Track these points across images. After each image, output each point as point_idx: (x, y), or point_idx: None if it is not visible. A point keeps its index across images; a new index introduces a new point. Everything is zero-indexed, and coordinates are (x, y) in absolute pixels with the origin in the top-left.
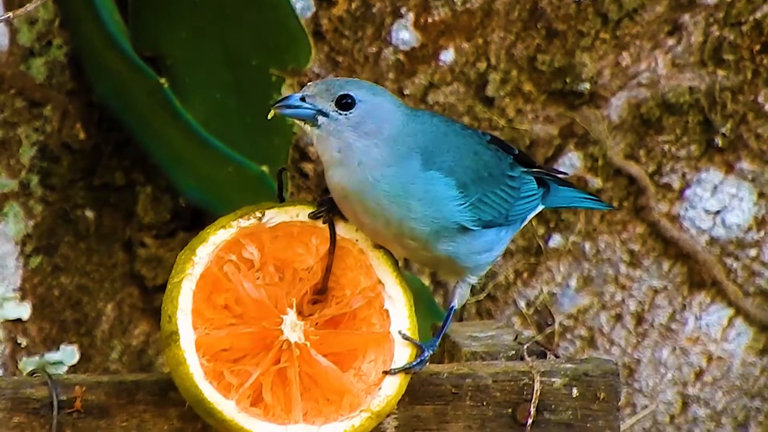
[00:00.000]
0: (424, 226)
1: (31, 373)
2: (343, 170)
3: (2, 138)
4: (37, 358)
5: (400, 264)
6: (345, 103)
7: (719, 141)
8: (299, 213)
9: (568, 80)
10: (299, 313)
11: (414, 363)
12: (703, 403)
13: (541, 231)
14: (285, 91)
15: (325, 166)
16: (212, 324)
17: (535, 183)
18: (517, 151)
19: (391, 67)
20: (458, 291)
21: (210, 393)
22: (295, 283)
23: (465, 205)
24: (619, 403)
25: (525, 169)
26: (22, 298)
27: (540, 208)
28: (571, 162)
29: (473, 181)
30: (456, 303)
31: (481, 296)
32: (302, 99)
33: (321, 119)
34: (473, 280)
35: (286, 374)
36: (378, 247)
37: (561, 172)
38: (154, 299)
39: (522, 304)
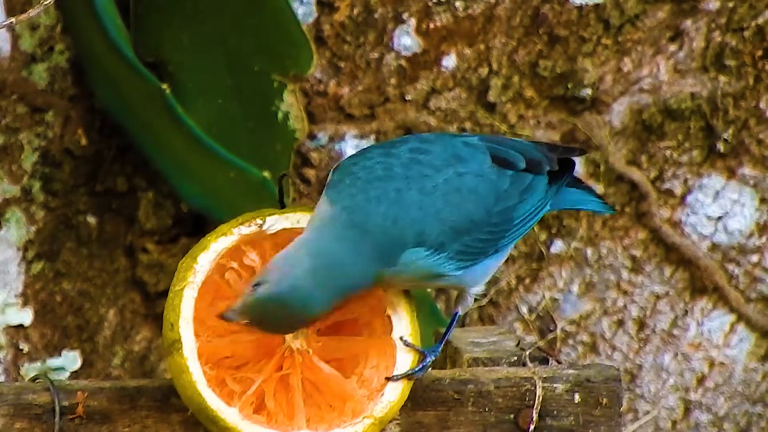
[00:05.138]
0: (414, 282)
1: (34, 379)
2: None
3: (4, 144)
4: (39, 363)
5: None
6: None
7: (721, 147)
8: (300, 219)
9: (569, 86)
10: None
11: (416, 369)
12: (705, 409)
13: (543, 237)
14: (287, 97)
15: None
16: (214, 332)
17: (545, 183)
18: (524, 165)
19: (393, 73)
20: (462, 299)
21: (213, 401)
22: None
23: (443, 259)
24: (621, 409)
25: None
26: (24, 304)
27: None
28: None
29: (449, 238)
30: (460, 310)
31: (484, 302)
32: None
33: None
34: (477, 291)
35: (289, 381)
36: None
37: (577, 150)
38: (156, 305)
39: (524, 309)
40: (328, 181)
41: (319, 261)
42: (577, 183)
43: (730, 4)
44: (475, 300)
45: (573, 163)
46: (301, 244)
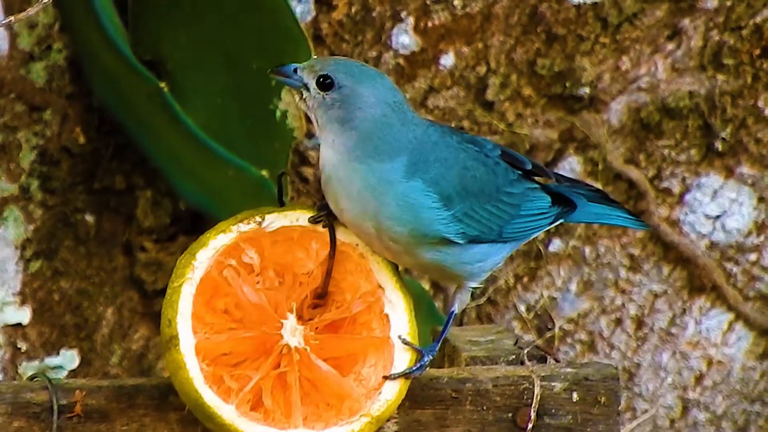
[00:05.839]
0: (400, 227)
1: (31, 378)
2: (324, 149)
3: (2, 142)
4: (37, 362)
5: (400, 269)
6: (324, 83)
7: (719, 145)
8: (299, 217)
9: (567, 84)
10: (299, 317)
11: (414, 368)
12: (704, 408)
13: (541, 235)
14: (285, 96)
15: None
16: (212, 328)
17: (549, 200)
18: (530, 166)
19: (391, 71)
20: (458, 296)
21: (210, 397)
22: (295, 288)
23: (446, 218)
24: (620, 408)
25: (536, 186)
26: (22, 303)
27: (554, 223)
28: (571, 166)
29: (459, 195)
30: (456, 308)
31: (482, 300)
32: (295, 70)
33: (305, 93)
34: (472, 285)
35: (286, 379)
36: None
37: (592, 187)
38: (154, 303)
39: (522, 308)
40: None
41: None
42: (607, 200)
43: (728, 3)
44: (473, 298)
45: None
46: None
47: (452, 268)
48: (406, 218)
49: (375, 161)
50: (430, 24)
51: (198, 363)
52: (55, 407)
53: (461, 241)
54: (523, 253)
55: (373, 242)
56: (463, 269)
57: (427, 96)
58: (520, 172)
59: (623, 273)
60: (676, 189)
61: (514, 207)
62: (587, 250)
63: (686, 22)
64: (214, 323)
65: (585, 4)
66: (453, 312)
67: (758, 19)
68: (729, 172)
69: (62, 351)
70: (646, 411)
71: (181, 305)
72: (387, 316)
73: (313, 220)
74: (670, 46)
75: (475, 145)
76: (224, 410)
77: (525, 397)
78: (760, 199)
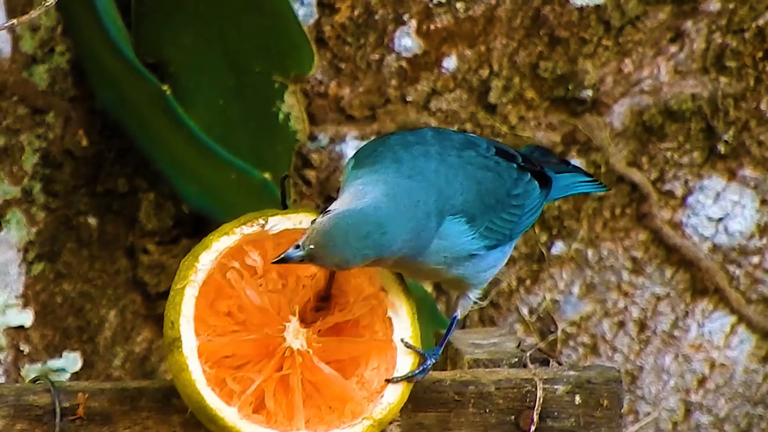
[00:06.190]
0: (440, 265)
1: (34, 380)
2: None
3: (5, 145)
4: (39, 365)
5: None
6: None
7: (722, 148)
8: (302, 220)
9: (570, 87)
10: (302, 320)
11: (416, 371)
12: (706, 410)
13: (543, 238)
14: (288, 98)
15: None
16: (215, 331)
17: (538, 187)
18: (520, 158)
19: (394, 74)
20: (461, 302)
21: (212, 400)
22: (298, 290)
23: (474, 236)
24: (622, 411)
25: (528, 175)
26: (25, 305)
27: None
28: None
29: (481, 212)
30: (459, 313)
31: (484, 303)
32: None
33: None
34: (476, 294)
35: (289, 381)
36: None
37: (557, 157)
38: (157, 306)
39: (525, 311)
40: (346, 168)
41: (394, 190)
42: (564, 164)
43: (731, 6)
44: (475, 303)
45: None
46: (358, 188)
47: (470, 278)
48: (446, 255)
49: (414, 238)
50: (432, 27)
51: (200, 365)
52: (58, 410)
53: (483, 253)
54: (526, 255)
55: (400, 269)
56: (478, 277)
57: (430, 99)
58: (515, 165)
59: (626, 276)
60: (679, 192)
61: (521, 207)
62: (590, 252)
63: (689, 24)
64: (217, 325)
65: (588, 6)
66: (456, 317)
67: (761, 22)
68: (731, 175)
69: (65, 353)
70: (648, 414)
71: (183, 308)
72: (390, 319)
73: None
74: (673, 49)
75: (473, 149)
76: (226, 412)
77: (528, 400)
78: (763, 202)
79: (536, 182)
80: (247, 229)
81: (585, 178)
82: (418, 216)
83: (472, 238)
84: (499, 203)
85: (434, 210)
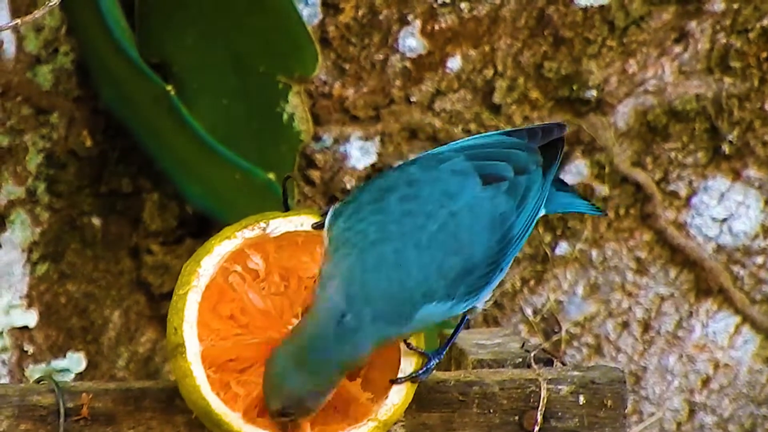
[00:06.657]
0: (430, 325)
1: (38, 381)
2: None
3: (9, 145)
4: (43, 365)
5: None
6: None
7: (726, 148)
8: (303, 222)
9: (574, 87)
10: None
11: (420, 372)
12: (710, 411)
13: (547, 238)
14: (292, 98)
15: None
16: (218, 334)
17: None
18: (512, 173)
19: (398, 75)
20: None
21: (217, 405)
22: (301, 292)
23: (453, 305)
24: (626, 411)
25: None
26: (29, 306)
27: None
28: (578, 170)
29: (455, 286)
30: (469, 314)
31: (488, 304)
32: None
33: None
34: (483, 303)
35: None
36: None
37: (556, 128)
38: (161, 306)
39: (529, 311)
40: (326, 227)
41: (362, 292)
42: (564, 186)
43: (735, 6)
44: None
45: (561, 146)
46: (325, 285)
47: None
48: (426, 323)
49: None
50: (437, 27)
51: (204, 370)
52: (62, 410)
53: (469, 308)
54: (530, 256)
55: None
56: (482, 301)
57: (434, 99)
58: (507, 184)
59: (630, 276)
60: (683, 192)
61: (507, 244)
62: (594, 253)
63: (693, 24)
64: (220, 329)
65: (592, 7)
66: (466, 317)
67: (765, 22)
68: (736, 175)
69: (69, 354)
70: (652, 414)
71: (186, 313)
72: None
73: (317, 227)
74: (677, 49)
75: (451, 200)
76: (231, 417)
77: (531, 401)
78: (767, 202)
79: (536, 180)
80: (249, 233)
81: (582, 201)
82: (388, 316)
83: (450, 308)
84: (477, 264)
85: (385, 321)
